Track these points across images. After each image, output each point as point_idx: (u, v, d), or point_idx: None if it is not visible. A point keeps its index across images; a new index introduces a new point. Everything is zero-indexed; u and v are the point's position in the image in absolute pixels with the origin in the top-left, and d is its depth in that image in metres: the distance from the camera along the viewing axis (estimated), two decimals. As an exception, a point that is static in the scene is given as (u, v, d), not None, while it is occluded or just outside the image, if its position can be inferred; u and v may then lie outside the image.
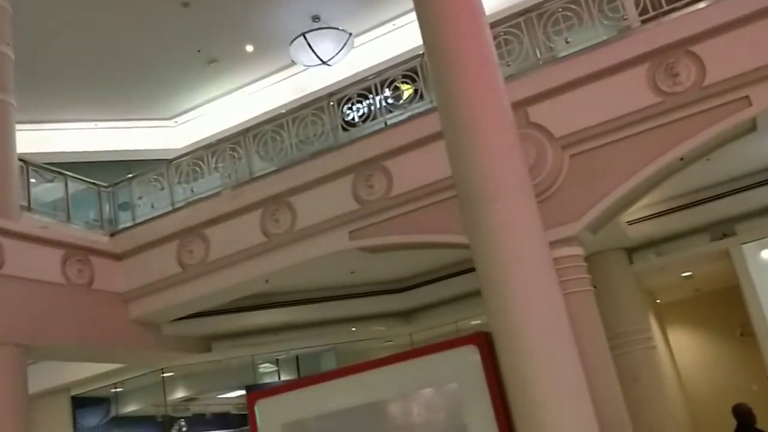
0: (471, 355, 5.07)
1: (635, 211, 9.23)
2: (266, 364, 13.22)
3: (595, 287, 7.11)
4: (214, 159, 9.39)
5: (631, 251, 10.42)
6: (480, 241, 5.17)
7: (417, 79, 8.39)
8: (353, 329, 12.14)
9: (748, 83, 6.53)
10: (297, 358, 13.17)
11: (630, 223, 9.68)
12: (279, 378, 13.19)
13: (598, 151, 7.01)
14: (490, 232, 5.13)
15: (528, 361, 4.72)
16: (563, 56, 7.62)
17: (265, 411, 5.75)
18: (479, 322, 10.75)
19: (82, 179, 10.01)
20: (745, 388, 11.73)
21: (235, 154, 9.28)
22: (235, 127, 11.68)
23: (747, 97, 6.55)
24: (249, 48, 12.87)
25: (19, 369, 7.96)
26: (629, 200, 7.26)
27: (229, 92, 14.08)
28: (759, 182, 9.40)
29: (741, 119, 6.64)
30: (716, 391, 12.44)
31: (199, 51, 12.59)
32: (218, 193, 9.25)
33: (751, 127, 6.90)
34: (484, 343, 5.06)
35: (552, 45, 7.77)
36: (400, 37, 12.45)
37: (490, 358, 5.02)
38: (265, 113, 11.73)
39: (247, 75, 13.68)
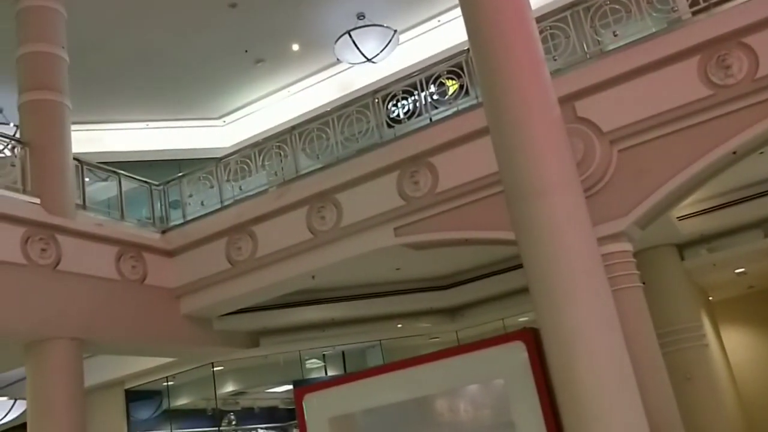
0: (518, 352, 5.06)
1: (686, 207, 9.06)
2: (313, 360, 13.35)
3: (644, 284, 7.00)
4: (261, 157, 9.53)
5: (682, 247, 10.22)
6: (527, 236, 5.15)
7: (462, 74, 8.36)
8: (399, 326, 12.19)
9: (805, 74, 6.34)
10: (343, 353, 13.27)
11: (681, 218, 9.49)
12: (326, 373, 13.31)
13: (647, 145, 6.89)
14: (537, 228, 5.11)
15: (576, 358, 4.69)
16: (611, 50, 7.51)
17: (312, 405, 5.83)
18: (526, 319, 10.68)
19: (134, 178, 10.27)
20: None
21: (282, 153, 9.40)
22: (281, 125, 11.82)
23: (803, 88, 6.36)
24: (295, 47, 13.00)
25: (76, 362, 8.24)
26: (679, 195, 7.12)
27: (276, 91, 14.24)
28: (817, 175, 9.12)
29: (796, 111, 6.45)
30: (771, 389, 12.13)
31: (246, 51, 12.77)
32: (265, 191, 9.39)
33: (807, 119, 6.69)
34: (532, 339, 5.05)
35: (599, 38, 7.66)
36: (445, 33, 12.41)
37: (538, 355, 5.01)
38: (311, 111, 11.85)
39: (293, 74, 13.82)
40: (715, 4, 7.06)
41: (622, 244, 6.81)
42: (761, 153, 7.30)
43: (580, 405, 4.67)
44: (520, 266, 5.46)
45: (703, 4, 7.13)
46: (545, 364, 4.96)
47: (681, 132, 6.79)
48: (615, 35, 7.62)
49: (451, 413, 5.82)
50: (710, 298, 13.06)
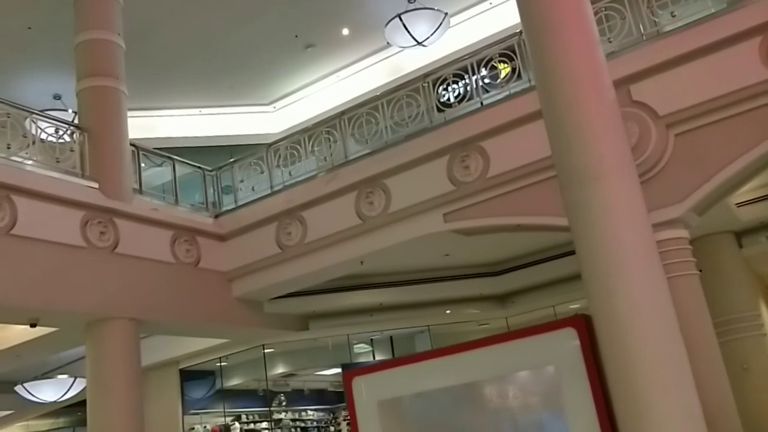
0: (569, 339, 5.00)
1: (745, 193, 8.77)
2: (361, 345, 13.46)
3: (701, 271, 6.83)
4: (310, 143, 9.59)
5: (741, 234, 9.92)
6: (580, 222, 5.07)
7: (514, 57, 8.24)
8: (448, 312, 12.17)
9: None
10: (391, 338, 13.34)
11: (739, 205, 9.20)
12: (374, 358, 13.41)
13: (705, 129, 6.71)
14: (591, 214, 5.02)
15: (630, 346, 4.61)
16: (668, 31, 7.30)
17: (361, 388, 5.88)
18: (577, 306, 10.55)
19: (188, 163, 10.48)
20: None
21: (331, 138, 9.45)
22: (330, 110, 11.86)
23: None
24: (345, 31, 13.01)
25: (133, 342, 8.50)
26: (738, 181, 6.91)
27: (326, 76, 14.29)
28: None
29: None
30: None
31: (296, 36, 12.83)
32: (314, 176, 9.45)
33: None
34: (584, 326, 4.98)
35: (656, 20, 7.45)
36: (497, 15, 12.24)
37: (590, 342, 4.94)
38: (361, 96, 11.83)
39: (343, 58, 13.83)
40: (780, -18, 6.79)
41: (678, 230, 6.66)
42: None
43: (632, 394, 4.60)
44: (571, 253, 5.38)
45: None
46: (597, 352, 4.89)
47: (741, 115, 6.58)
48: (673, 16, 7.40)
49: (500, 399, 5.80)
50: (770, 287, 12.65)
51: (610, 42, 7.39)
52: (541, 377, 5.50)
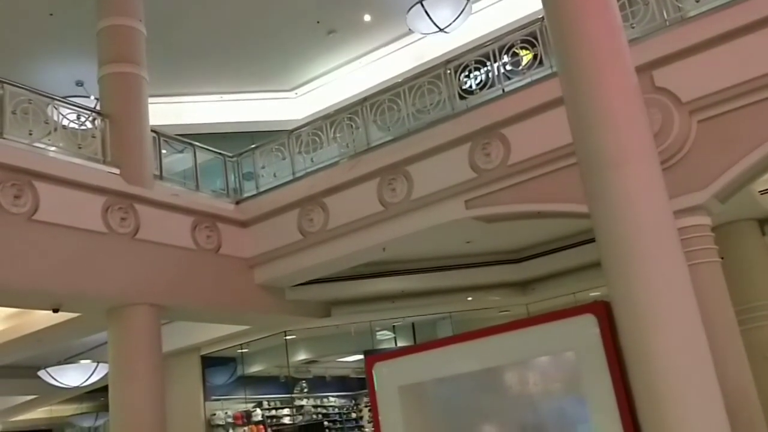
0: (589, 325, 4.99)
1: (769, 180, 8.66)
2: (384, 331, 13.52)
3: (723, 259, 6.78)
4: (332, 129, 9.62)
5: (764, 222, 9.81)
6: (601, 209, 5.05)
7: (536, 44, 8.21)
8: (469, 298, 12.19)
9: None
10: (413, 325, 13.38)
11: (763, 192, 9.09)
12: (396, 344, 13.46)
13: (729, 115, 6.64)
14: (612, 200, 5.00)
15: (650, 333, 4.60)
16: (692, 16, 7.22)
17: (382, 374, 5.92)
18: (598, 294, 10.49)
19: (209, 149, 10.55)
20: None
21: (353, 124, 9.47)
22: (353, 97, 11.89)
23: None
24: (367, 18, 13.00)
25: (154, 328, 8.61)
26: (762, 168, 6.83)
27: (348, 62, 14.30)
28: None
29: None
30: None
31: (318, 22, 12.85)
32: (336, 163, 9.49)
33: None
34: (604, 313, 4.97)
35: (680, 5, 7.37)
36: (519, 1, 12.16)
37: (610, 328, 4.92)
38: (383, 83, 11.85)
39: (365, 45, 13.83)
40: (808, -35, 6.67)
41: (700, 217, 6.62)
42: None
43: (652, 381, 4.59)
44: (592, 240, 5.36)
45: (794, -34, 6.74)
46: (617, 339, 4.89)
47: (764, 101, 6.50)
48: (697, 1, 7.31)
49: (520, 385, 5.81)
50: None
51: (633, 28, 7.33)
52: (562, 363, 5.50)
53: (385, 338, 13.63)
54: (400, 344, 13.36)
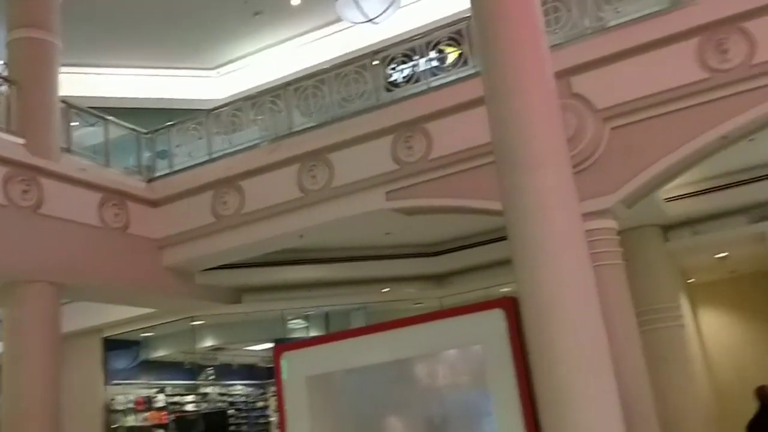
0: (497, 319, 5.10)
1: (674, 189, 9.09)
2: (296, 320, 13.39)
3: (626, 261, 7.06)
4: (253, 111, 9.44)
5: (667, 229, 10.29)
6: (514, 207, 5.17)
7: (462, 42, 8.30)
8: (385, 290, 12.24)
9: (801, 64, 6.35)
10: (327, 315, 13.32)
11: (668, 200, 9.54)
12: (308, 334, 13.37)
13: (640, 124, 6.91)
14: (524, 200, 5.12)
15: (553, 328, 4.74)
16: (612, 26, 7.46)
17: (291, 363, 5.87)
18: (508, 289, 10.75)
19: (122, 124, 10.15)
20: (774, 374, 11.60)
21: (275, 107, 9.32)
22: (277, 80, 11.70)
23: (797, 78, 6.37)
24: (295, 1, 12.82)
25: (52, 306, 8.21)
26: (668, 176, 7.16)
27: (273, 45, 14.07)
28: (803, 166, 9.18)
29: (791, 100, 6.47)
30: (743, 374, 12.30)
31: (245, 2, 12.57)
32: (256, 146, 9.32)
33: (799, 109, 6.71)
34: (512, 308, 5.09)
35: (602, 14, 7.60)
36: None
37: (516, 323, 5.05)
38: (309, 68, 11.70)
39: (292, 29, 13.64)
40: (720, -13, 7.01)
41: (607, 221, 6.88)
42: (751, 140, 7.33)
43: (553, 376, 4.74)
44: (506, 237, 5.47)
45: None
46: (523, 334, 5.02)
47: (674, 113, 6.80)
48: (617, 11, 7.56)
49: (429, 377, 5.88)
50: (691, 281, 13.20)
51: (556, 33, 7.50)
52: (470, 357, 5.60)
53: (297, 327, 13.52)
54: (312, 334, 13.29)
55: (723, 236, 10.36)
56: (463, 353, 5.57)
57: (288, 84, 9.36)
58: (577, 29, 7.54)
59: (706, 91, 6.68)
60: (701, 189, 9.63)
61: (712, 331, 13.44)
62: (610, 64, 7.09)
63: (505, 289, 10.62)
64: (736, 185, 9.52)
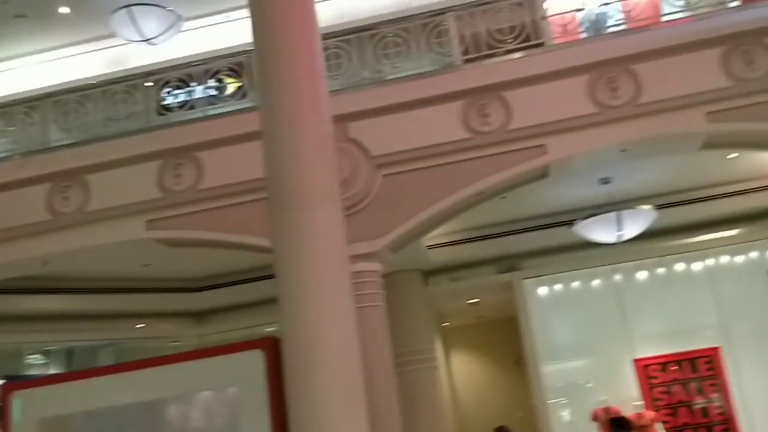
0: (256, 360, 4.98)
1: (435, 237, 9.67)
2: (35, 355, 12.11)
3: (389, 304, 7.31)
4: (3, 120, 8.49)
5: (428, 274, 10.90)
6: (283, 246, 5.11)
7: (243, 74, 8.20)
8: (139, 326, 11.48)
9: (546, 133, 7.12)
10: (70, 351, 12.20)
11: (430, 247, 10.13)
12: (48, 371, 12.14)
13: (409, 174, 7.27)
14: (294, 239, 5.09)
15: (313, 370, 4.70)
16: (389, 79, 7.83)
17: (21, 403, 5.24)
18: (273, 329, 10.63)
19: None
20: (512, 414, 12.67)
21: (29, 119, 8.45)
22: (36, 90, 10.65)
23: (543, 145, 7.13)
24: (64, 10, 11.84)
25: None
26: (431, 225, 7.60)
27: (36, 53, 12.81)
28: (545, 225, 10.29)
29: (535, 165, 7.22)
30: (487, 413, 13.32)
31: (5, 2, 11.38)
32: (4, 159, 8.36)
33: (544, 174, 7.51)
34: (272, 348, 5.00)
35: (381, 67, 7.96)
36: (232, 29, 12.08)
37: (276, 364, 4.96)
38: (74, 81, 10.82)
39: (59, 38, 12.53)
40: (485, 57, 7.69)
41: (373, 264, 7.08)
42: (503, 197, 8.05)
43: (308, 417, 4.68)
44: (272, 276, 5.40)
45: (474, 55, 7.73)
46: (282, 375, 4.93)
47: (439, 167, 7.25)
48: (395, 66, 7.97)
49: (183, 420, 5.55)
50: (446, 324, 14.08)
51: (336, 79, 7.70)
52: (226, 398, 5.38)
53: (35, 363, 12.21)
54: (52, 371, 12.06)
55: (476, 283, 11.23)
56: (219, 395, 5.34)
57: (48, 95, 8.55)
58: (357, 78, 7.81)
59: (468, 149, 7.22)
60: (460, 239, 10.38)
61: (461, 371, 14.45)
62: (385, 115, 7.40)
63: (270, 329, 10.51)
64: (490, 237, 10.42)
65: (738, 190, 10.01)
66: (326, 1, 10.51)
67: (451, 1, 8.24)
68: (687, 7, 7.53)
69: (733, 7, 7.86)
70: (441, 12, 8.09)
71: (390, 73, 8.00)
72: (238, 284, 10.76)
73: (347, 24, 8.91)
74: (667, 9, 7.59)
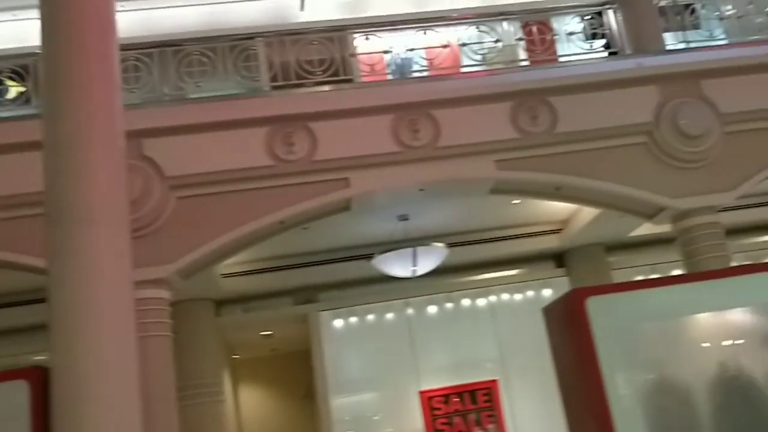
0: (19, 392, 4.46)
1: (230, 265, 9.42)
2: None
3: (175, 334, 6.94)
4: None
5: (220, 304, 10.56)
6: (60, 267, 4.65)
7: (27, 79, 7.48)
8: None
9: (350, 167, 7.23)
10: None
11: (224, 276, 9.84)
12: None
13: (205, 198, 7.01)
14: (73, 260, 4.65)
15: (82, 401, 4.29)
16: (191, 98, 7.56)
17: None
18: (43, 358, 9.66)
19: None
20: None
21: None
22: None
23: (347, 179, 7.23)
24: None
25: None
26: (226, 253, 7.36)
27: None
28: (344, 258, 10.43)
29: (338, 198, 7.29)
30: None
31: None
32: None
33: (346, 206, 7.61)
34: (39, 379, 4.51)
35: (183, 85, 7.66)
36: (20, 30, 11.08)
37: (42, 397, 4.47)
38: None
39: None
40: (293, 86, 7.69)
41: (160, 291, 6.71)
42: (305, 228, 8.04)
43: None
44: (44, 300, 4.89)
45: (281, 83, 7.70)
46: (49, 408, 4.45)
47: (239, 193, 7.07)
48: (198, 86, 7.70)
49: None
50: (236, 356, 13.70)
51: (133, 92, 7.29)
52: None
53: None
54: None
55: (270, 315, 11.06)
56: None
57: None
58: (156, 94, 7.45)
59: (271, 177, 7.12)
60: (257, 268, 10.19)
61: (250, 405, 14.13)
62: (185, 134, 7.09)
63: (40, 358, 9.54)
64: (289, 268, 10.33)
65: (519, 233, 10.87)
66: (130, 12, 10.02)
67: (264, 27, 8.19)
68: (483, 61, 8.07)
69: (522, 66, 8.60)
70: (250, 36, 8.01)
71: (192, 92, 7.72)
72: (3, 308, 9.64)
73: (151, 38, 8.53)
74: (466, 61, 8.04)
